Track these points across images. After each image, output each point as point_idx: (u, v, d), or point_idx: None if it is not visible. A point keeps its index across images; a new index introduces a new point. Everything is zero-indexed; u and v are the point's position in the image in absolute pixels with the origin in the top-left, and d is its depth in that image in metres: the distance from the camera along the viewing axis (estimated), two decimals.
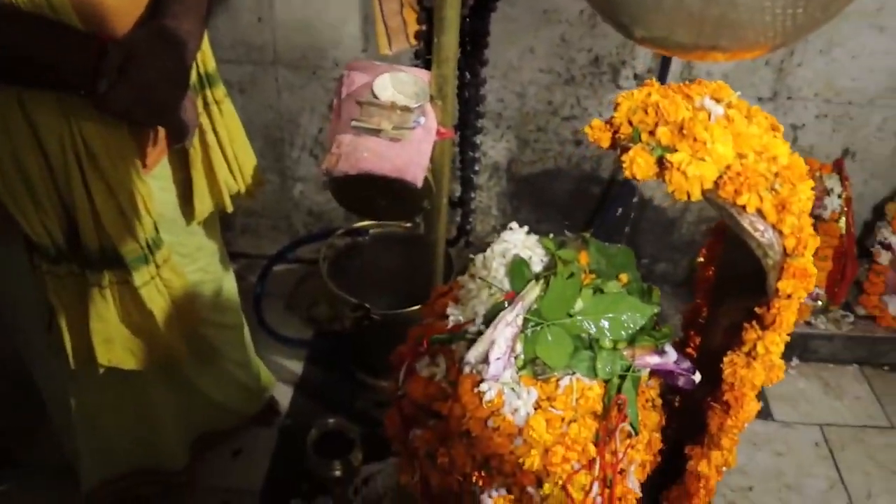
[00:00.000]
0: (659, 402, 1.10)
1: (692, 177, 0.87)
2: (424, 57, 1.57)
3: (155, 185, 1.41)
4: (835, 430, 2.28)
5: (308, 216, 2.62)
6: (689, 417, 1.19)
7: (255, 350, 2.02)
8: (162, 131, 1.37)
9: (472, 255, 1.08)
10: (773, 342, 0.94)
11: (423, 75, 1.52)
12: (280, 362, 2.31)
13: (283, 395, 2.21)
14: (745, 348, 0.96)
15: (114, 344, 1.41)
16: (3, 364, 1.77)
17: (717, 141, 0.88)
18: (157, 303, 1.43)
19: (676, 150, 0.88)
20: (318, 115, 2.39)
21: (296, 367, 2.32)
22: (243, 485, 1.97)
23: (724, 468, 1.13)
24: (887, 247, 2.51)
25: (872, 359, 2.51)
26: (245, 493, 1.95)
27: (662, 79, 2.15)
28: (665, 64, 2.16)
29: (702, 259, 1.22)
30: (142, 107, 1.12)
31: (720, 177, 0.87)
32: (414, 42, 1.58)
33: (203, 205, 1.54)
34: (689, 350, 1.20)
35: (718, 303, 1.08)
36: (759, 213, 0.86)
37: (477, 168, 1.76)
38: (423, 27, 1.54)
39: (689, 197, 0.89)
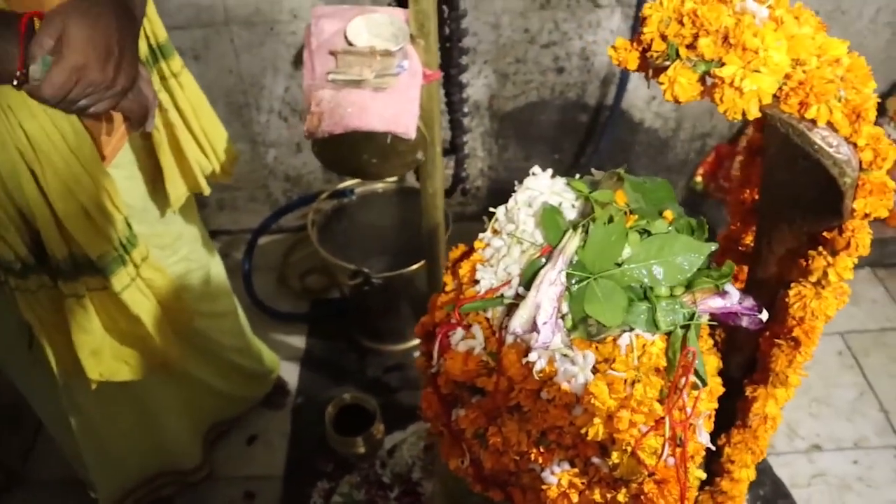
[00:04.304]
0: (710, 342, 1.00)
1: (748, 92, 0.75)
2: None
3: (119, 175, 1.26)
4: (856, 337, 2.23)
5: (286, 182, 2.48)
6: (739, 354, 1.11)
7: (253, 330, 1.92)
8: (118, 116, 1.22)
9: (493, 209, 0.96)
10: (846, 268, 0.84)
11: (398, 14, 1.37)
12: (281, 339, 2.21)
13: (290, 373, 2.12)
14: (814, 277, 0.86)
15: (102, 355, 1.30)
16: None
17: (771, 48, 0.76)
18: (143, 306, 1.31)
19: (724, 64, 0.77)
20: (282, 73, 2.23)
21: (298, 342, 2.22)
22: (264, 471, 1.90)
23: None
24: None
25: (884, 259, 2.46)
26: (267, 479, 1.88)
27: None
28: None
29: (734, 180, 1.11)
30: (84, 92, 0.89)
31: (779, 88, 0.76)
32: None
33: (177, 191, 1.40)
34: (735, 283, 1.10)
35: (768, 229, 0.97)
36: (830, 125, 0.75)
37: (466, 109, 1.63)
38: None
39: (743, 116, 0.77)
